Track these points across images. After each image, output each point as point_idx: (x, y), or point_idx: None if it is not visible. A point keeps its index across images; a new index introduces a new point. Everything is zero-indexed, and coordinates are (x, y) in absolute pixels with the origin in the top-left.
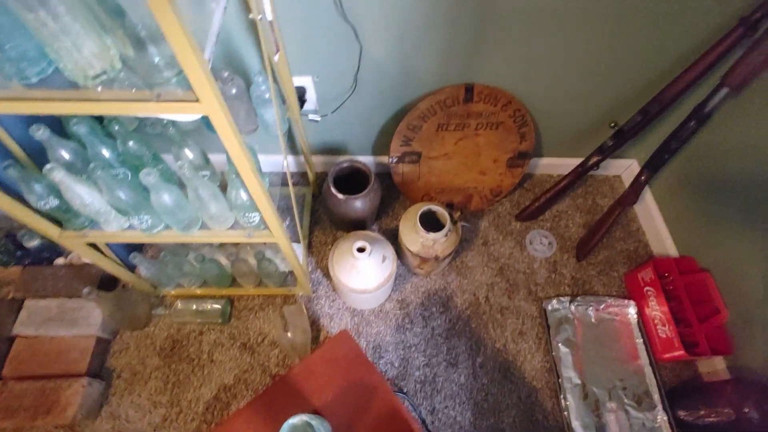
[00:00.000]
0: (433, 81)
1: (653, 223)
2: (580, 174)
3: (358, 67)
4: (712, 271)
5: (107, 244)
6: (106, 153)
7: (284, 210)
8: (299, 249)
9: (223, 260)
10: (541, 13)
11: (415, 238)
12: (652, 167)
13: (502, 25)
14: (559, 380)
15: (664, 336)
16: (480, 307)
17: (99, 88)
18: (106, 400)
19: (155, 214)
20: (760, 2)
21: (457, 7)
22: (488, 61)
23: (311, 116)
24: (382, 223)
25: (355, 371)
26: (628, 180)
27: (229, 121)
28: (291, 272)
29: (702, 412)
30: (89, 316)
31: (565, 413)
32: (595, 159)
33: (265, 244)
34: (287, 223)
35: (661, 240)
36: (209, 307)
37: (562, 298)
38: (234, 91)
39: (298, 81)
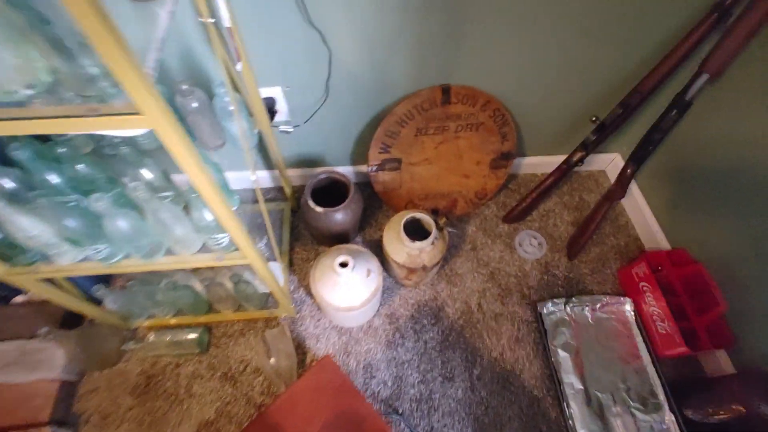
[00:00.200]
0: (408, 84)
1: (642, 217)
2: (564, 171)
3: (329, 73)
4: (705, 262)
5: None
6: (54, 179)
7: (260, 227)
8: (277, 268)
9: (198, 286)
10: (514, 9)
11: (400, 248)
12: (636, 160)
13: (476, 23)
14: (561, 387)
15: (664, 332)
16: (473, 316)
17: (24, 105)
18: None
19: (113, 242)
20: None
21: (426, 5)
22: (464, 61)
23: (282, 127)
24: (366, 234)
25: (341, 400)
26: (612, 174)
27: (179, 135)
28: (271, 293)
29: (710, 410)
30: (53, 358)
31: (570, 422)
32: (578, 155)
33: (240, 265)
34: (264, 241)
35: (652, 233)
36: (185, 337)
37: (556, 300)
38: (195, 104)
39: (267, 92)
